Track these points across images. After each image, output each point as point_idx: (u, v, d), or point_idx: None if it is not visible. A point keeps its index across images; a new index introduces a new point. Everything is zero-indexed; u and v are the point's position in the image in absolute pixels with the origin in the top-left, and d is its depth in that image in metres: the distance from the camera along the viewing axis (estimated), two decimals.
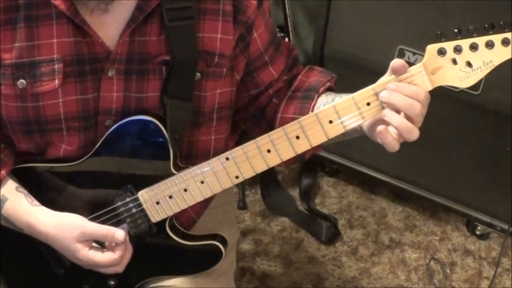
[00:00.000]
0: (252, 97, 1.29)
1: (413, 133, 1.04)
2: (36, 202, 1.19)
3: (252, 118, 1.33)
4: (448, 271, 2.15)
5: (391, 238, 2.26)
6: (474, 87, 1.92)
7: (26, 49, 1.11)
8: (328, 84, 1.24)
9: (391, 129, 1.05)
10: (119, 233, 1.17)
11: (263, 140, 1.12)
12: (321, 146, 1.27)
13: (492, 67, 1.04)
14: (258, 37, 1.22)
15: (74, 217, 1.18)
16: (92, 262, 1.17)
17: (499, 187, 2.05)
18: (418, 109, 1.03)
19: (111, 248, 1.18)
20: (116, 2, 1.09)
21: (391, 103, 1.04)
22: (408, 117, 1.04)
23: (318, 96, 1.22)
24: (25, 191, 1.20)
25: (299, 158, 1.26)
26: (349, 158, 2.27)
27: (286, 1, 2.12)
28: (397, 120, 1.04)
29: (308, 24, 2.39)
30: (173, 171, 1.17)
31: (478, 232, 2.24)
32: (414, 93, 1.04)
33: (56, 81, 1.13)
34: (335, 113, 1.09)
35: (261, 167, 1.14)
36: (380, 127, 1.05)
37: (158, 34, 1.14)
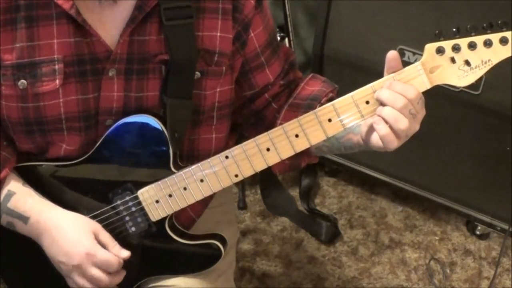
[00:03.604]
0: (246, 99, 1.29)
1: (400, 121, 1.04)
2: (44, 198, 1.20)
3: (247, 121, 1.33)
4: (448, 271, 2.15)
5: (391, 238, 2.26)
6: (474, 87, 1.93)
7: (27, 50, 1.12)
8: (331, 95, 1.25)
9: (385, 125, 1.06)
10: (125, 251, 1.19)
11: (262, 139, 1.12)
12: (317, 156, 1.28)
13: (491, 66, 1.05)
14: (255, 37, 1.22)
15: (92, 219, 1.20)
16: (93, 251, 1.15)
17: (499, 187, 2.05)
18: (401, 102, 1.04)
19: None
20: (119, 1, 1.10)
21: (379, 99, 1.06)
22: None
23: (320, 106, 1.22)
24: (31, 188, 1.20)
25: (294, 166, 1.26)
26: (349, 158, 2.27)
27: (286, 1, 2.12)
28: (384, 110, 1.05)
29: (308, 24, 2.39)
30: (173, 170, 1.17)
31: (478, 232, 2.24)
32: (403, 90, 1.05)
33: (57, 81, 1.13)
34: (334, 111, 1.09)
35: (260, 166, 1.14)
36: (375, 119, 1.06)
37: (157, 33, 1.14)
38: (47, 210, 1.18)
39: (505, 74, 1.79)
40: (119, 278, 1.20)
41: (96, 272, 1.16)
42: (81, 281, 1.17)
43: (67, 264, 1.17)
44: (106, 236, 1.19)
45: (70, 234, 1.17)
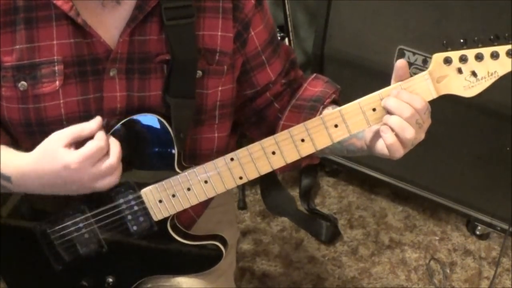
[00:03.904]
0: (247, 98, 1.29)
1: (407, 131, 1.04)
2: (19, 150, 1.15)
3: (248, 120, 1.34)
4: (448, 271, 2.16)
5: (391, 238, 2.26)
6: None
7: (27, 51, 1.11)
8: (333, 96, 1.25)
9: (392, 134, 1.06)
10: (93, 119, 1.12)
11: (268, 142, 1.12)
12: (318, 157, 1.28)
13: (496, 78, 1.06)
14: (256, 36, 1.22)
15: (49, 136, 1.11)
16: (81, 158, 1.08)
17: (499, 187, 2.06)
18: (408, 112, 1.04)
19: None
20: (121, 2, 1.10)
21: (386, 107, 1.06)
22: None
23: (324, 108, 1.23)
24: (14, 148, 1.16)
25: (294, 165, 1.26)
26: (349, 158, 2.27)
27: (286, 1, 2.13)
28: (391, 119, 1.05)
29: (308, 24, 2.40)
30: (177, 170, 1.17)
31: (478, 232, 2.24)
32: (410, 99, 1.05)
33: (57, 83, 1.13)
34: (340, 117, 1.09)
35: (265, 169, 1.14)
36: (382, 127, 1.06)
37: (158, 33, 1.14)
38: (20, 164, 1.13)
39: (505, 74, 1.79)
40: (116, 145, 1.13)
41: (100, 168, 1.10)
42: (100, 184, 1.12)
43: (80, 188, 1.12)
44: (69, 131, 1.10)
45: (52, 170, 1.10)
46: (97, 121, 1.12)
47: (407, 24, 1.94)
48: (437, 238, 2.26)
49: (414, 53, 1.94)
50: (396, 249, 2.22)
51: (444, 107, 1.97)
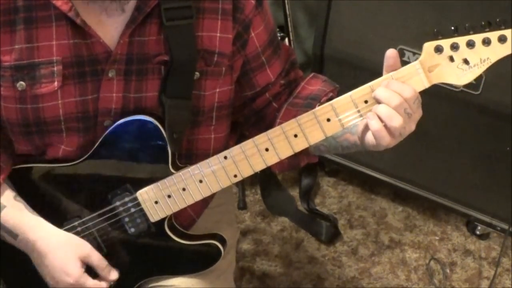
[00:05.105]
0: (247, 99, 1.29)
1: (394, 119, 1.04)
2: (36, 213, 1.21)
3: (247, 120, 1.33)
4: (448, 271, 2.15)
5: (391, 238, 2.25)
6: (474, 86, 1.92)
7: (26, 51, 1.12)
8: (331, 94, 1.25)
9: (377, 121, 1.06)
10: (114, 273, 1.22)
11: (261, 139, 1.12)
12: (316, 156, 1.28)
13: (489, 64, 1.04)
14: (256, 37, 1.22)
15: (83, 240, 1.21)
16: (80, 282, 1.18)
17: (499, 187, 2.05)
18: (397, 101, 1.03)
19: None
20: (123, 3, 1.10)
21: (375, 97, 1.05)
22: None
23: (320, 106, 1.22)
24: (24, 201, 1.21)
25: (293, 165, 1.26)
26: (349, 158, 2.27)
27: (286, 1, 2.12)
28: (379, 107, 1.04)
29: (308, 24, 2.39)
30: (172, 170, 1.17)
31: (478, 232, 2.24)
32: (399, 89, 1.04)
33: (56, 83, 1.13)
34: (332, 111, 1.09)
35: (259, 166, 1.14)
36: (368, 113, 1.06)
37: (157, 34, 1.14)
38: (34, 230, 1.19)
39: (505, 74, 1.79)
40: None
41: None
42: None
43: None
44: (95, 259, 1.20)
45: (57, 263, 1.18)
46: (114, 275, 1.22)
47: (407, 24, 1.94)
48: (437, 238, 2.26)
49: (414, 53, 1.94)
50: (396, 249, 2.22)
51: (444, 107, 1.97)
